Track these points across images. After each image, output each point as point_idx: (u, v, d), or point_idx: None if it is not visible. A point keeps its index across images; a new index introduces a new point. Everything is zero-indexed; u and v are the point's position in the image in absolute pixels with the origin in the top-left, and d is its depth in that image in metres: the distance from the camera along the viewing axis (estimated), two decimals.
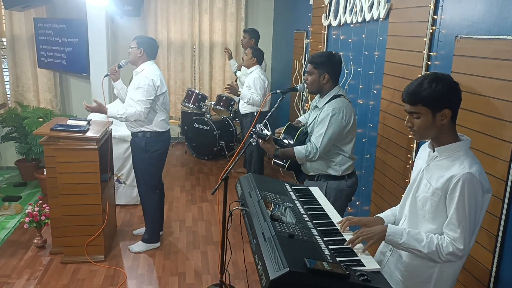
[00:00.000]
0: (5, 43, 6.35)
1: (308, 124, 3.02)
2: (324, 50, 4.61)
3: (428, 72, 1.89)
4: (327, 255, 1.80)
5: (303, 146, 2.87)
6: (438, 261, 1.82)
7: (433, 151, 1.91)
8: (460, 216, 1.74)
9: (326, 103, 2.87)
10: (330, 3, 4.37)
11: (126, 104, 3.76)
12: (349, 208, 4.02)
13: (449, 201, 1.78)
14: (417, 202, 1.92)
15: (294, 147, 2.87)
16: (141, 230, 4.24)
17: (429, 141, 1.96)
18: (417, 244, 1.82)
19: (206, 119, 6.53)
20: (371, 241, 1.91)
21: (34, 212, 3.87)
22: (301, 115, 3.58)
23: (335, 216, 2.27)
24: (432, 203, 1.84)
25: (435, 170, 1.86)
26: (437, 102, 1.78)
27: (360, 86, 3.74)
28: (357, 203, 3.87)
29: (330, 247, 1.90)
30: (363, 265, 1.80)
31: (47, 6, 6.34)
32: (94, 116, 4.35)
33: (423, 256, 1.84)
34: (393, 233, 1.87)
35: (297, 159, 2.88)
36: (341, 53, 4.14)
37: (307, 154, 2.83)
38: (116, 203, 4.61)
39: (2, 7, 5.88)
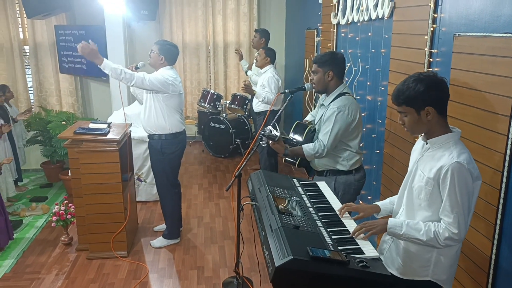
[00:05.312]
0: (28, 51, 6.64)
1: (315, 122, 3.15)
2: (334, 48, 4.73)
3: (415, 73, 2.02)
4: (330, 244, 1.94)
5: (311, 144, 2.99)
6: (438, 247, 1.95)
7: (426, 143, 2.04)
8: (452, 202, 1.87)
9: (332, 101, 2.99)
10: (338, 2, 4.47)
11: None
12: (361, 202, 4.13)
13: (442, 189, 1.91)
14: (413, 192, 2.06)
15: (302, 145, 3.00)
16: (162, 226, 4.43)
17: (423, 134, 2.09)
18: (416, 233, 1.95)
19: (222, 118, 6.70)
20: (373, 231, 2.07)
21: (61, 211, 4.08)
22: None
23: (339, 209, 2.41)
24: (426, 191, 1.97)
25: (427, 161, 2.00)
26: (418, 101, 1.92)
27: (368, 83, 3.84)
28: (369, 197, 3.97)
29: (333, 237, 2.04)
30: (363, 253, 1.93)
31: (67, 13, 6.61)
32: (114, 119, 4.55)
33: (423, 244, 1.97)
34: (394, 225, 2.01)
35: (306, 157, 3.00)
36: (350, 51, 4.25)
37: (315, 151, 2.94)
38: (137, 200, 4.82)
39: (25, 16, 6.14)
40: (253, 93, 5.17)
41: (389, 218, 2.06)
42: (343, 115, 2.91)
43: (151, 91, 3.80)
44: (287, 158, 3.21)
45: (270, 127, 2.90)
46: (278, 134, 2.90)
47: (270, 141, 2.91)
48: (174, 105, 3.91)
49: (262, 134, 2.84)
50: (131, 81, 3.62)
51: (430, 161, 1.98)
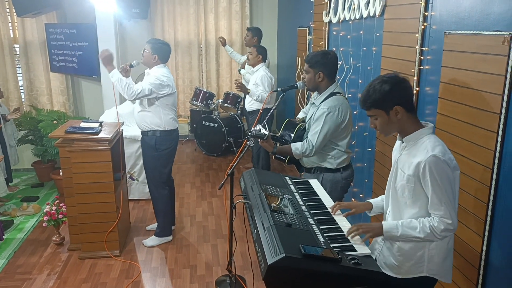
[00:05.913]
0: (18, 49, 6.58)
1: (306, 120, 3.16)
2: (326, 46, 4.74)
3: (378, 77, 2.07)
4: (322, 242, 1.95)
5: (299, 143, 3.00)
6: (436, 240, 1.98)
7: (403, 142, 2.07)
8: (438, 195, 1.90)
9: (322, 101, 3.00)
10: (330, 0, 4.48)
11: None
12: (353, 200, 4.14)
13: (424, 184, 1.94)
14: (397, 191, 2.08)
15: (291, 144, 3.02)
16: (154, 225, 4.42)
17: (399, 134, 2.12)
18: (412, 232, 1.96)
19: (214, 117, 6.69)
20: (369, 234, 2.06)
21: (52, 211, 4.06)
22: None
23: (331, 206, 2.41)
24: (409, 189, 2.00)
25: (406, 159, 2.03)
26: (386, 102, 1.97)
27: (360, 81, 3.86)
28: (361, 195, 3.99)
29: (325, 234, 2.05)
30: (354, 250, 1.94)
31: (58, 11, 6.55)
32: (106, 118, 4.53)
33: (421, 241, 1.98)
34: (389, 228, 2.01)
35: (294, 155, 3.02)
36: (341, 49, 4.26)
37: (303, 150, 2.97)
38: (129, 198, 4.80)
39: (15, 14, 6.09)
40: (247, 92, 5.17)
41: (383, 222, 2.06)
42: (332, 116, 2.92)
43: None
44: (277, 155, 3.23)
45: (259, 126, 2.91)
46: (267, 132, 2.91)
47: (259, 140, 2.92)
48: (168, 103, 3.94)
49: (249, 135, 2.85)
50: (133, 95, 3.73)
51: (408, 158, 2.01)
